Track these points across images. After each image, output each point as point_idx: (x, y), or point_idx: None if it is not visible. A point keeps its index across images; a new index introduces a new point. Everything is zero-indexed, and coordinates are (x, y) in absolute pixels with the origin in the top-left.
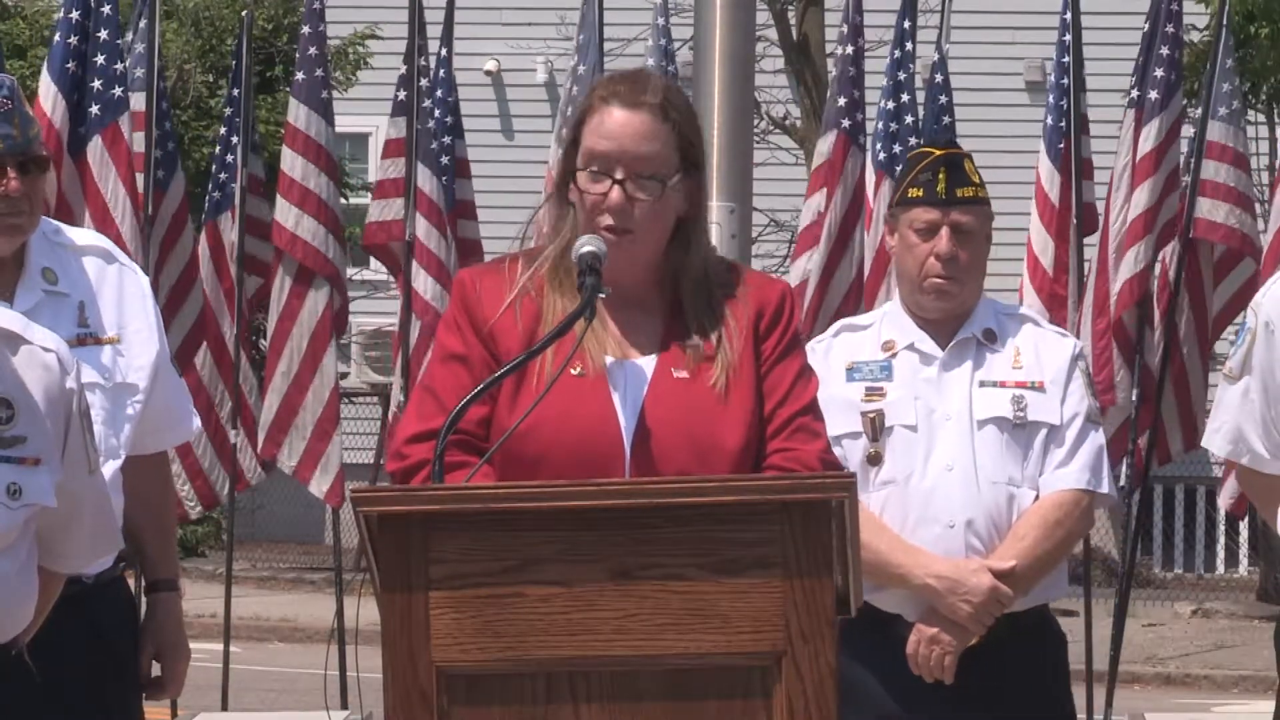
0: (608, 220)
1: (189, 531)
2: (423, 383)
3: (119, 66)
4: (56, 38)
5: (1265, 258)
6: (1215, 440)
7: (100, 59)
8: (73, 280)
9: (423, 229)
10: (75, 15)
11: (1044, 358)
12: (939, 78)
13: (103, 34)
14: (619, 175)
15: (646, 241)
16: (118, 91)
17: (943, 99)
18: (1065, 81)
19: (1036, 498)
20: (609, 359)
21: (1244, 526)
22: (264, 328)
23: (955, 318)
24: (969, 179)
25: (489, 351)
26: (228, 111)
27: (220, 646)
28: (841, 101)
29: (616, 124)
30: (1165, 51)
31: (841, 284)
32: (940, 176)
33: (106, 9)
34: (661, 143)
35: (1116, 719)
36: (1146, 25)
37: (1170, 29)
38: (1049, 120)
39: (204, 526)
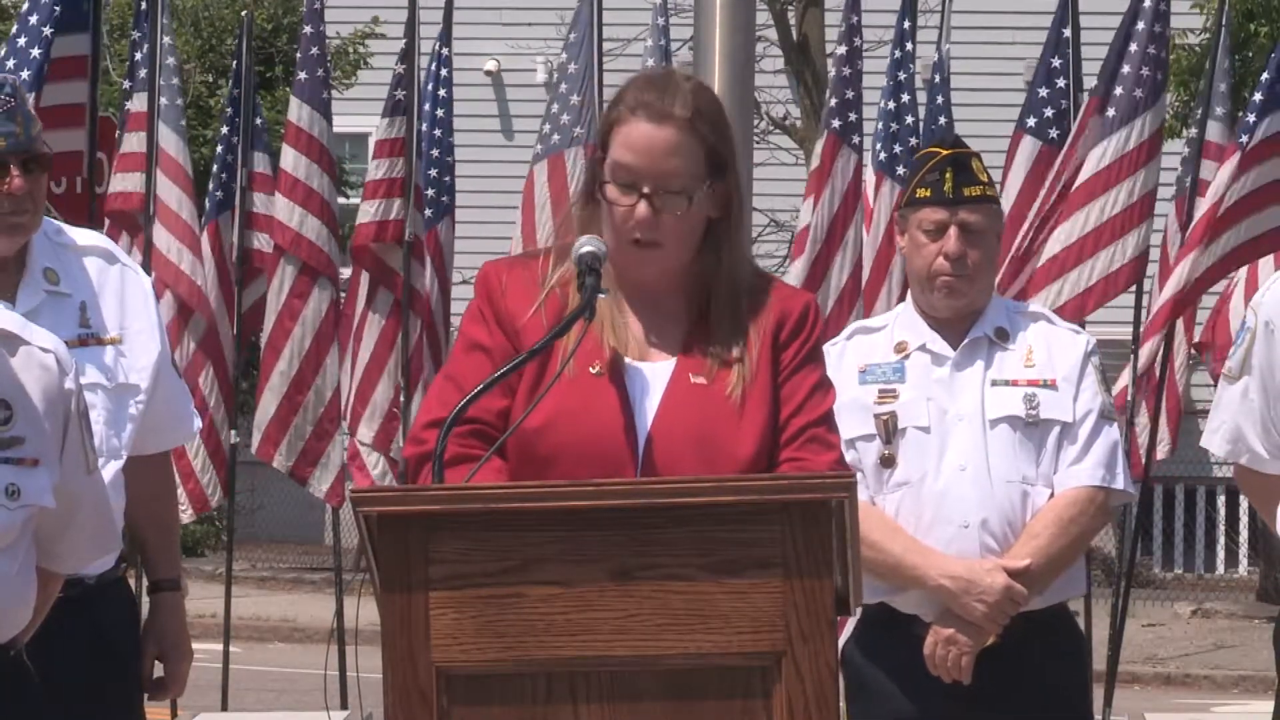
0: (635, 234)
1: (188, 532)
2: (446, 370)
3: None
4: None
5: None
6: (1214, 440)
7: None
8: (74, 281)
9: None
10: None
11: (1056, 355)
12: (938, 78)
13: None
14: (646, 189)
15: (675, 252)
16: None
17: (939, 99)
18: (1050, 79)
19: (1052, 496)
20: (628, 360)
21: (1244, 527)
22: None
23: (967, 317)
24: (976, 178)
25: (512, 344)
26: (228, 111)
27: (220, 646)
28: (833, 102)
29: (644, 138)
30: (1153, 51)
31: (835, 285)
32: (947, 176)
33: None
34: (688, 156)
35: (1116, 719)
36: (1141, 25)
37: (1159, 28)
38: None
39: (204, 526)
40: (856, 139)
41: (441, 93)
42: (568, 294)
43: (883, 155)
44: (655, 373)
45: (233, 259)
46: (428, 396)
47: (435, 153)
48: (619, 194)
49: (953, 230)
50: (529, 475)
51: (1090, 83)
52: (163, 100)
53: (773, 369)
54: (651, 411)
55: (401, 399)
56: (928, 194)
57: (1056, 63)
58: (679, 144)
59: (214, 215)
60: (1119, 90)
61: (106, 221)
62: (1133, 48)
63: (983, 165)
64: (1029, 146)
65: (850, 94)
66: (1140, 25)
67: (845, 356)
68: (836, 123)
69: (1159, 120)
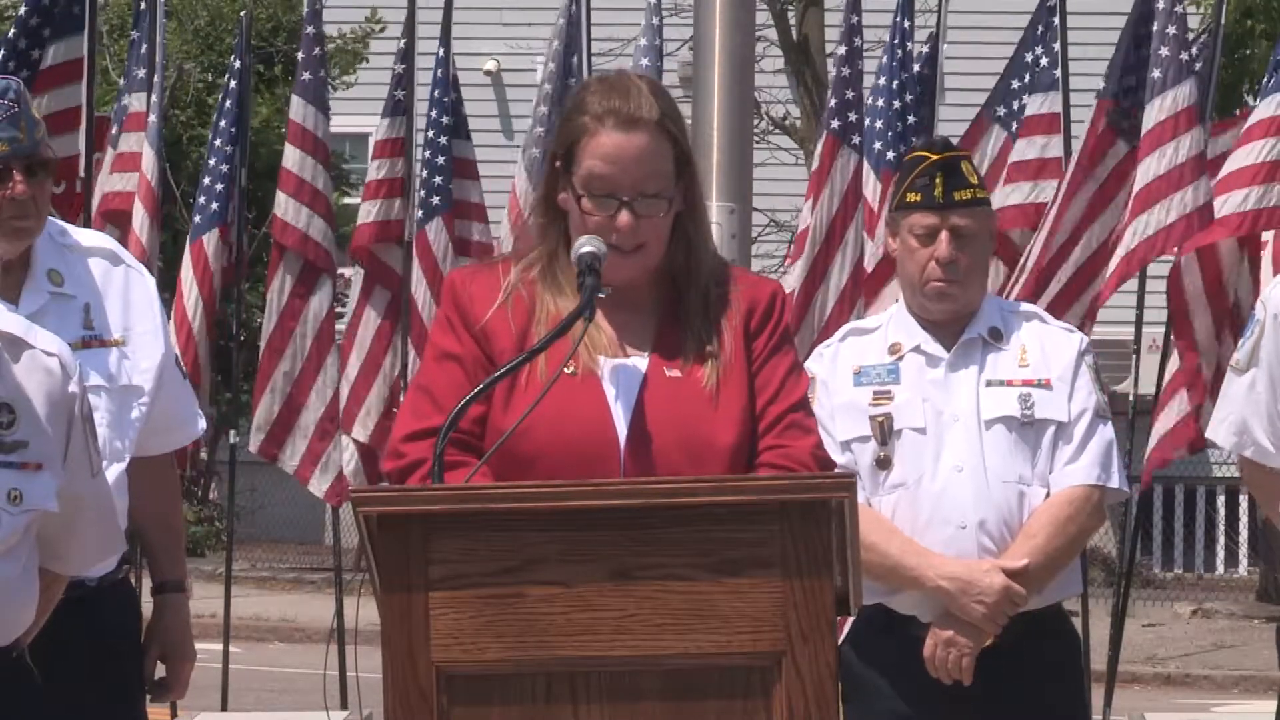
0: (617, 241)
1: (188, 532)
2: (417, 381)
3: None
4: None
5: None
6: (1220, 431)
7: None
8: (79, 282)
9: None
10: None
11: (1050, 354)
12: (926, 71)
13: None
14: (625, 197)
15: (656, 253)
16: None
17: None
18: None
19: (1048, 495)
20: (602, 358)
21: (1244, 527)
22: (230, 320)
23: (960, 318)
24: (967, 181)
25: (482, 350)
26: (233, 111)
27: (220, 646)
28: (833, 102)
29: (616, 147)
30: (1165, 52)
31: (835, 286)
32: (937, 181)
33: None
34: (662, 159)
35: (1116, 719)
36: (1155, 26)
37: (1172, 30)
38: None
39: (204, 527)
40: (856, 139)
41: (437, 93)
42: (533, 292)
43: (889, 155)
44: (630, 368)
45: (231, 259)
46: (402, 409)
47: (428, 154)
48: (596, 205)
49: (944, 235)
50: (513, 477)
51: (1078, 82)
52: (151, 118)
53: (745, 357)
54: (630, 407)
55: (402, 398)
56: (918, 198)
57: (1028, 57)
58: (652, 148)
59: (222, 218)
60: (1133, 100)
61: (107, 225)
62: (1161, 51)
63: (973, 167)
64: (996, 136)
65: (850, 94)
66: (1155, 26)
67: (839, 358)
68: (836, 123)
69: (1188, 99)
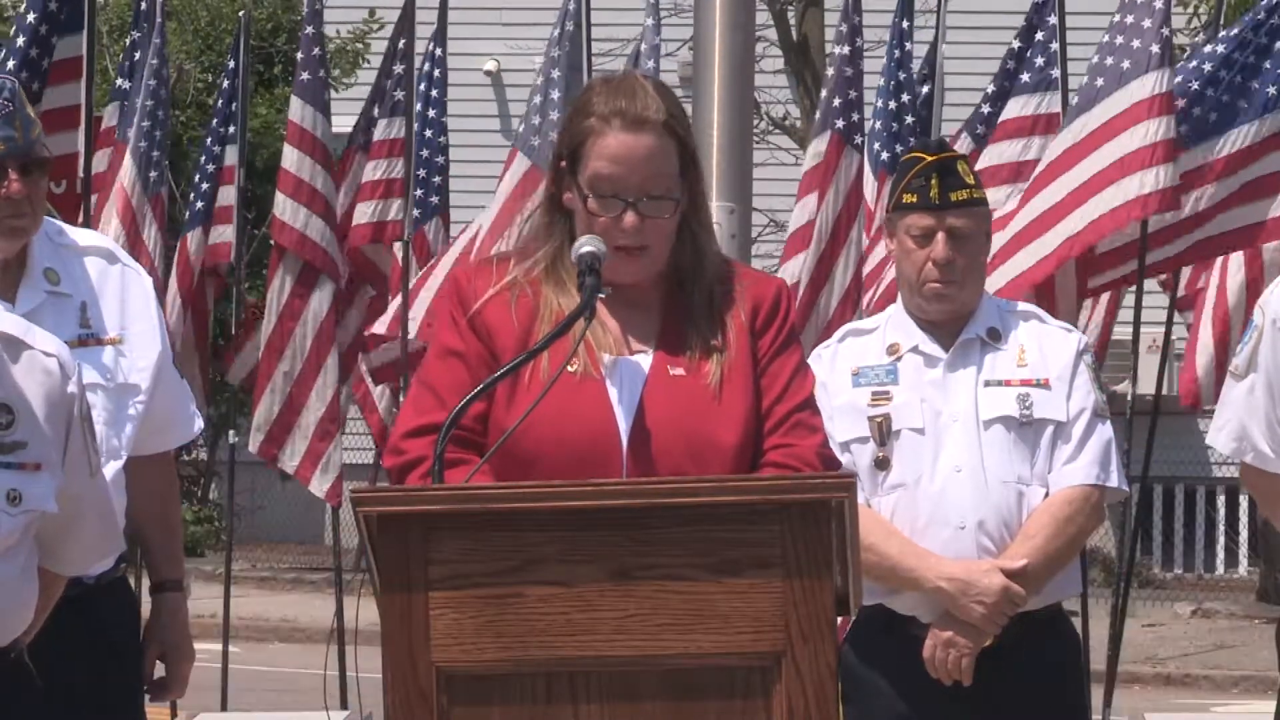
0: (623, 241)
1: (188, 532)
2: (420, 378)
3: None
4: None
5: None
6: (1219, 438)
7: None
8: (75, 281)
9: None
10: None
11: (1048, 354)
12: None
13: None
14: (630, 198)
15: (662, 254)
16: None
17: (927, 90)
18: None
19: (1046, 495)
20: (606, 356)
21: (1244, 527)
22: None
23: (958, 318)
24: (963, 181)
25: (485, 347)
26: (223, 112)
27: (220, 646)
28: (836, 102)
29: (623, 148)
30: (1155, 50)
31: (839, 286)
32: (933, 182)
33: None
34: (668, 159)
35: (1116, 719)
36: (1118, 17)
37: (1165, 31)
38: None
39: (203, 527)
40: (859, 139)
41: (434, 93)
42: (538, 291)
43: (885, 155)
44: (634, 367)
45: (230, 259)
46: (404, 406)
47: (425, 153)
48: (601, 206)
49: (940, 236)
50: (514, 476)
51: (1077, 83)
52: (131, 131)
53: (751, 355)
54: (633, 406)
55: (402, 396)
56: (914, 200)
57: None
58: (659, 149)
59: (208, 217)
60: (1100, 80)
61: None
62: (1119, 40)
63: (969, 167)
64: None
65: (852, 94)
66: (1130, 18)
67: (838, 359)
68: (840, 123)
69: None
